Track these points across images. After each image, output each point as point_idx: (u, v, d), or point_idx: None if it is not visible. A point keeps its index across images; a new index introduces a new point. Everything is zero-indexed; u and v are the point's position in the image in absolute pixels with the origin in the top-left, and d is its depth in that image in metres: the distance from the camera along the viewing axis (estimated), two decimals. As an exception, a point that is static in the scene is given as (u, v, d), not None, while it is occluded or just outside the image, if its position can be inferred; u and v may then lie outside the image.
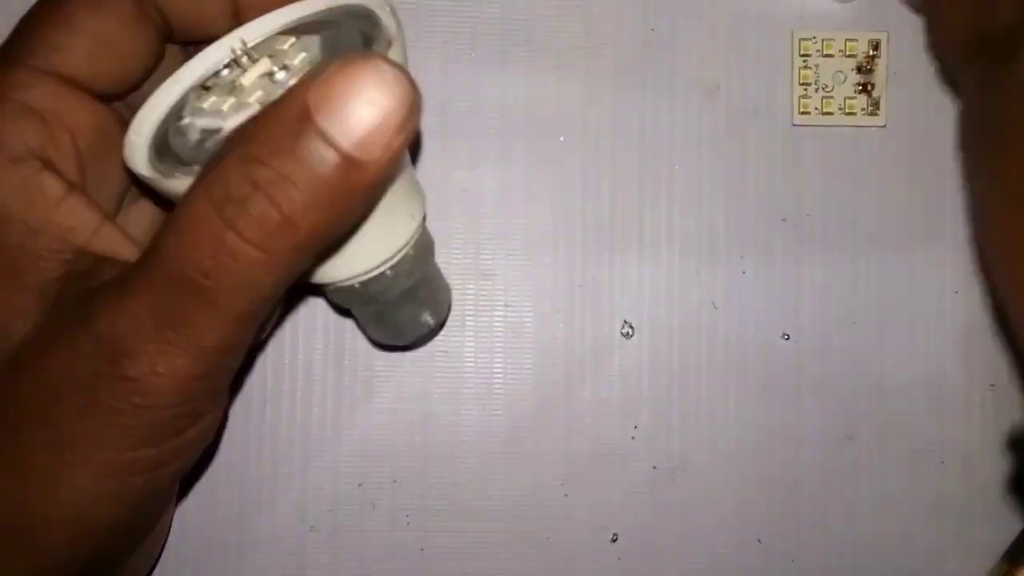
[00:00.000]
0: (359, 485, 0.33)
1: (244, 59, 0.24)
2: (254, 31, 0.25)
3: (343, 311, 0.33)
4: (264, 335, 0.31)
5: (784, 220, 0.34)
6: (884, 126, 0.34)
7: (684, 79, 0.34)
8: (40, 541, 0.23)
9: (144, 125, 0.24)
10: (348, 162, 0.20)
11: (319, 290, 0.27)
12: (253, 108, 0.23)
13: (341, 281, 0.26)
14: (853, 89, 0.34)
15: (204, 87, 0.24)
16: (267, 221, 0.20)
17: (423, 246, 0.27)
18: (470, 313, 0.33)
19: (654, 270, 0.34)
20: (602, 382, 0.34)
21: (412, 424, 0.33)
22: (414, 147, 0.33)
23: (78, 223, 0.24)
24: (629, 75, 0.34)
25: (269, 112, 0.20)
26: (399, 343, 0.30)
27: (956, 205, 0.34)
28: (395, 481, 0.33)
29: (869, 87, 0.34)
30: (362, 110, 0.20)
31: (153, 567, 0.31)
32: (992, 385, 0.34)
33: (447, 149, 0.34)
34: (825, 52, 0.34)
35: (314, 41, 0.24)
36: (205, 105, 0.24)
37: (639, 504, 0.33)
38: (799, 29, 0.34)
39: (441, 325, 0.31)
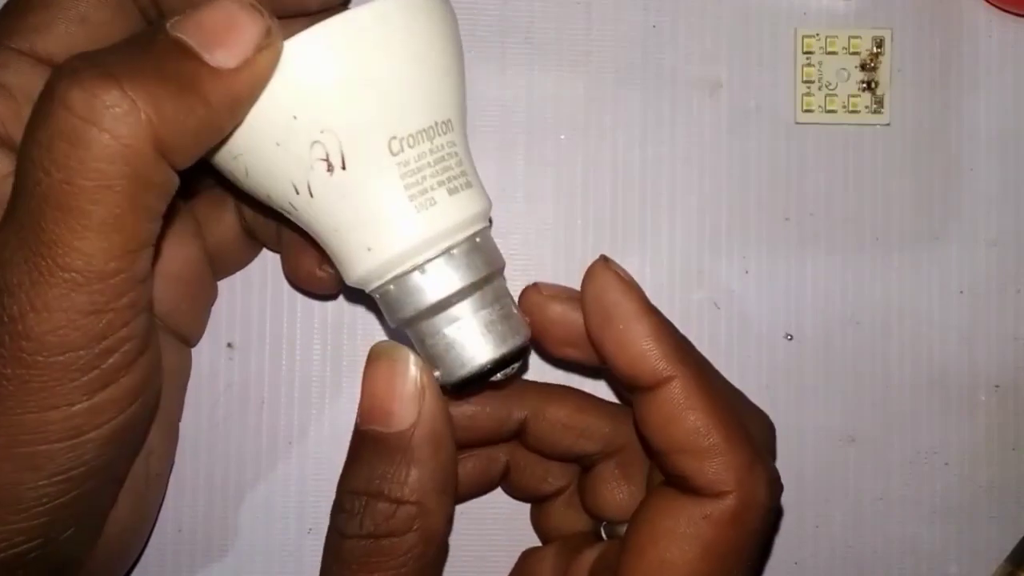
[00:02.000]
0: (358, 487, 0.33)
1: None
2: None
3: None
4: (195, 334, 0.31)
5: (787, 219, 0.34)
6: (888, 124, 0.34)
7: (686, 77, 0.34)
8: None
9: None
10: (200, 63, 0.20)
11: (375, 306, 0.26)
12: None
13: (371, 273, 0.24)
14: (857, 87, 0.34)
15: None
16: (102, 92, 0.19)
17: (475, 254, 0.25)
18: (470, 313, 0.33)
19: (656, 269, 0.34)
20: (603, 382, 0.33)
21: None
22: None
23: None
24: (630, 73, 0.34)
25: (132, 34, 0.22)
26: (446, 380, 0.26)
27: (960, 204, 0.34)
28: (394, 483, 0.33)
29: (873, 85, 0.34)
30: (216, 24, 0.21)
31: (134, 566, 0.31)
32: (997, 386, 0.34)
33: (446, 148, 0.33)
34: (828, 49, 0.34)
35: None
36: None
37: (640, 506, 0.33)
38: (802, 26, 0.34)
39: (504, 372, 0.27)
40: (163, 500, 0.31)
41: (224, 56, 0.21)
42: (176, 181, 0.21)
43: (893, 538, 0.34)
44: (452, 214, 0.24)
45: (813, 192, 0.34)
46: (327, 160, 0.23)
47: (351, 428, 0.33)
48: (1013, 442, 0.34)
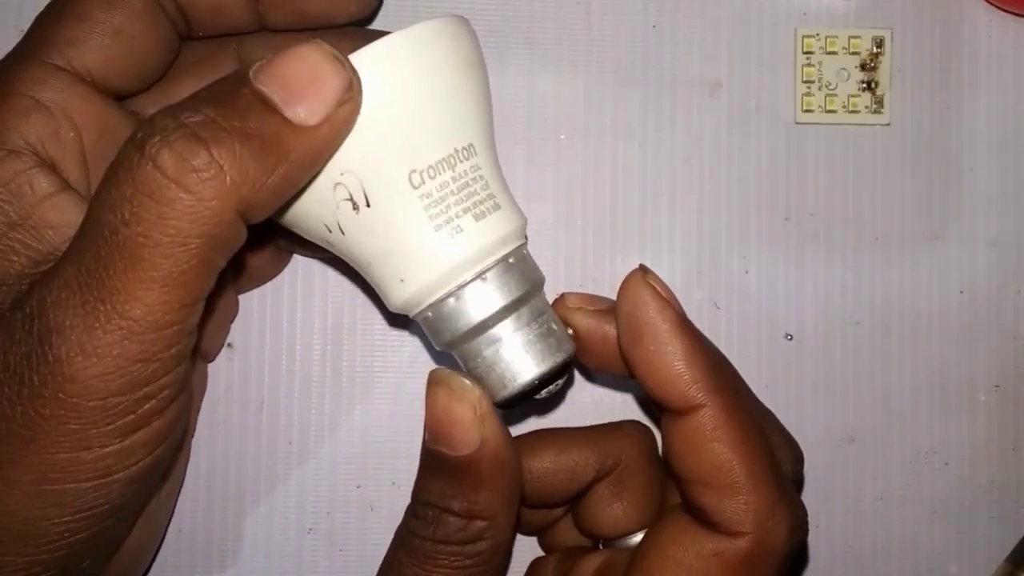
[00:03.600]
0: (357, 487, 0.33)
1: None
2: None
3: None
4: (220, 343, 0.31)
5: (787, 219, 0.34)
6: (888, 124, 0.34)
7: (686, 77, 0.34)
8: None
9: None
10: (283, 121, 0.21)
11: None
12: None
13: (407, 303, 0.25)
14: (857, 87, 0.34)
15: None
16: (191, 156, 0.20)
17: (508, 275, 0.25)
18: (470, 313, 0.33)
19: (655, 269, 0.33)
20: (603, 382, 0.33)
21: (411, 426, 0.33)
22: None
23: (62, 222, 0.23)
24: (630, 73, 0.34)
25: (211, 83, 0.21)
26: (495, 399, 0.26)
27: (960, 204, 0.34)
28: (394, 483, 0.33)
29: (873, 85, 0.34)
30: (300, 79, 0.21)
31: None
32: (997, 386, 0.34)
33: (446, 148, 0.33)
34: (829, 49, 0.34)
35: None
36: None
37: (640, 506, 0.33)
38: (802, 26, 0.34)
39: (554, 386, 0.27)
40: (172, 514, 0.31)
41: (307, 113, 0.21)
42: (245, 236, 0.22)
43: (893, 538, 0.34)
44: (480, 239, 0.24)
45: (813, 192, 0.34)
46: (351, 200, 0.23)
47: (351, 429, 0.33)
48: (1013, 442, 0.34)
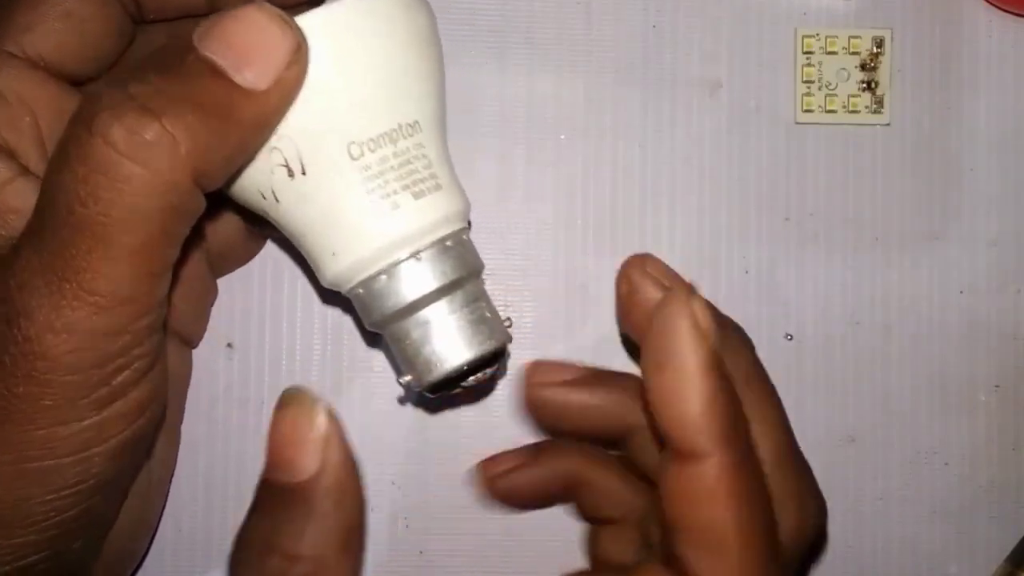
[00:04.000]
0: (358, 487, 0.33)
1: None
2: None
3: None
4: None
5: (787, 219, 0.34)
6: (888, 124, 0.34)
7: (686, 77, 0.34)
8: None
9: None
10: (233, 87, 0.20)
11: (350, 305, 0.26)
12: None
13: (338, 276, 0.25)
14: (857, 87, 0.34)
15: None
16: (142, 129, 0.20)
17: (444, 257, 0.25)
18: (470, 313, 0.33)
19: (655, 270, 0.34)
20: (603, 383, 0.33)
21: (411, 426, 0.33)
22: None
23: (23, 206, 0.22)
24: (630, 73, 0.34)
25: (155, 50, 0.21)
26: (417, 383, 0.25)
27: (960, 204, 0.34)
28: (394, 483, 0.33)
29: (873, 85, 0.34)
30: (246, 43, 0.20)
31: (137, 568, 0.31)
32: (997, 386, 0.34)
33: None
34: (829, 49, 0.34)
35: None
36: None
37: (640, 506, 0.33)
38: (802, 26, 0.34)
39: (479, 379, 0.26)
40: (165, 503, 0.31)
41: (255, 77, 0.21)
42: (204, 204, 0.22)
43: (893, 538, 0.34)
44: (417, 218, 0.24)
45: (813, 192, 0.34)
46: (287, 166, 0.23)
47: (351, 428, 0.32)
48: (1013, 442, 0.34)
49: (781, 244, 0.34)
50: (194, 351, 0.32)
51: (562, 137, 0.34)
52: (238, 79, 0.20)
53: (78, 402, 0.21)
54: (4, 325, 0.20)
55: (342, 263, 0.24)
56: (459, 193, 0.25)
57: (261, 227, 0.31)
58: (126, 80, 0.20)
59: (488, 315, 0.26)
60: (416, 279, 0.24)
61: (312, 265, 0.25)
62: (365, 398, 0.33)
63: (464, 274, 0.25)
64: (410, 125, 0.24)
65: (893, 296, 0.34)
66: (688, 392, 0.21)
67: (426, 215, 0.24)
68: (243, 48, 0.21)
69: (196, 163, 0.20)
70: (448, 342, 0.25)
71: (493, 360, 0.26)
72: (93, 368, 0.21)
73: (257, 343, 0.33)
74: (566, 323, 0.33)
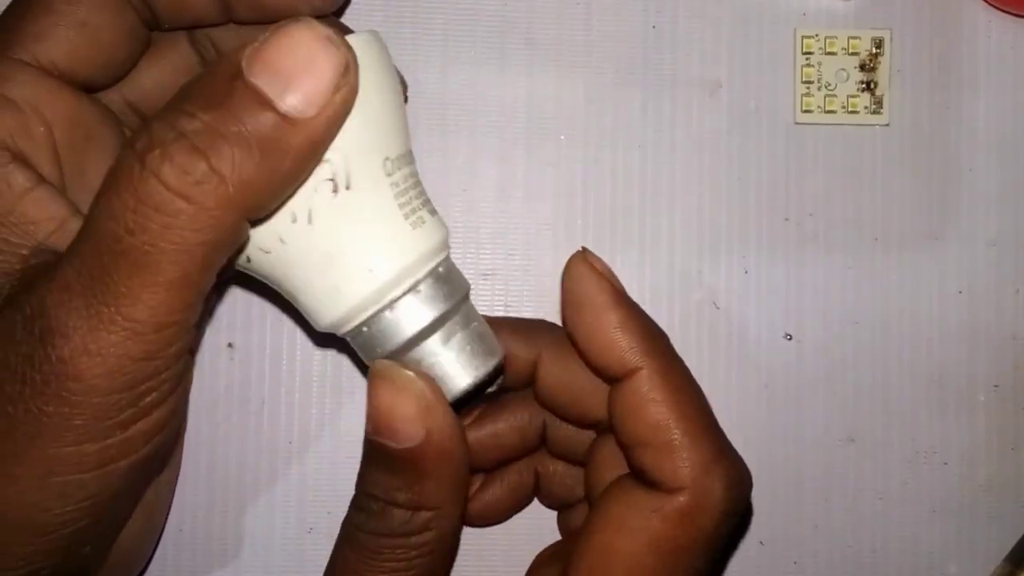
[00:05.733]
0: (358, 486, 0.33)
1: None
2: None
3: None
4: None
5: (786, 219, 0.34)
6: (887, 125, 0.34)
7: (685, 77, 0.34)
8: None
9: None
10: (280, 118, 0.20)
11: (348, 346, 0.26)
12: None
13: (341, 319, 0.24)
14: (856, 87, 0.34)
15: None
16: (192, 169, 0.20)
17: (439, 283, 0.25)
18: (470, 313, 0.33)
19: (655, 270, 0.34)
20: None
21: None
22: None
23: (43, 217, 0.23)
24: (630, 73, 0.34)
25: (203, 73, 0.21)
26: None
27: (959, 204, 0.34)
28: (394, 482, 0.33)
29: (872, 85, 0.34)
30: (294, 67, 0.20)
31: (143, 571, 0.31)
32: (996, 386, 0.34)
33: (447, 149, 0.33)
34: (828, 50, 0.34)
35: None
36: None
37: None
38: (802, 27, 0.34)
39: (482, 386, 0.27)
40: (171, 506, 0.31)
41: (303, 104, 0.20)
42: (248, 233, 0.22)
43: (892, 537, 0.34)
44: (438, 232, 0.25)
45: (812, 192, 0.34)
46: (333, 180, 0.23)
47: (351, 428, 0.33)
48: (1012, 442, 0.34)
49: (781, 244, 0.34)
50: (194, 351, 0.32)
51: (562, 137, 0.34)
52: (285, 108, 0.20)
53: (106, 422, 0.21)
54: (37, 342, 0.21)
55: (379, 279, 0.24)
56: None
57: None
58: (176, 114, 0.20)
59: (487, 330, 0.26)
60: (421, 307, 0.25)
61: (319, 300, 0.24)
62: (365, 398, 0.33)
63: (463, 295, 0.26)
64: (410, 152, 0.25)
65: (892, 296, 0.34)
66: (605, 321, 0.25)
67: (441, 231, 0.25)
68: (290, 72, 0.20)
69: (244, 199, 0.20)
70: (455, 366, 0.25)
71: (496, 376, 0.26)
72: (124, 391, 0.21)
73: (258, 343, 0.33)
74: (566, 323, 0.33)
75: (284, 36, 0.21)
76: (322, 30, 0.21)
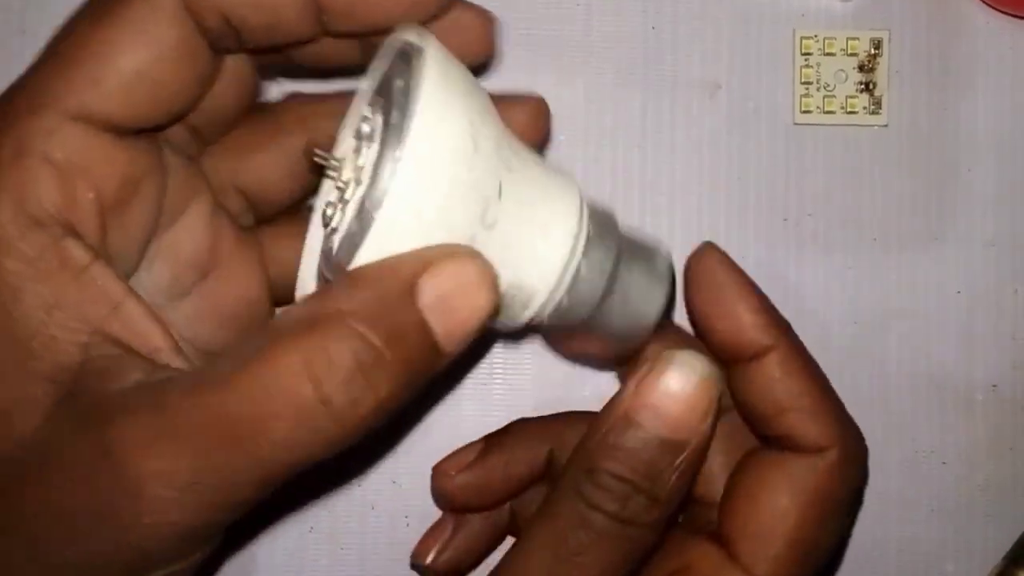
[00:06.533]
0: (358, 486, 0.33)
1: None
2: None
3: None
4: None
5: (785, 219, 0.34)
6: (886, 125, 0.34)
7: (685, 78, 0.34)
8: None
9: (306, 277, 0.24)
10: (434, 349, 0.20)
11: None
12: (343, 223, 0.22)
13: (544, 303, 0.24)
14: (855, 88, 0.34)
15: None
16: (362, 402, 0.20)
17: (596, 221, 0.25)
18: (470, 313, 0.33)
19: (655, 270, 0.34)
20: (602, 382, 0.33)
21: (411, 425, 0.33)
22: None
23: (98, 299, 0.21)
24: (629, 74, 0.34)
25: (378, 285, 0.21)
26: (646, 323, 0.26)
27: (958, 205, 0.34)
28: (394, 482, 0.33)
29: (871, 86, 0.34)
30: (461, 307, 0.21)
31: None
32: (994, 385, 0.34)
33: (447, 148, 0.33)
34: (827, 51, 0.34)
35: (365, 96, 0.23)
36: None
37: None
38: (801, 28, 0.34)
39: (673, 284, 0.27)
40: None
41: (455, 346, 0.21)
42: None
43: (891, 537, 0.34)
44: (564, 173, 0.25)
45: (811, 193, 0.34)
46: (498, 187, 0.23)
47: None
48: (1010, 442, 0.34)
49: (779, 244, 0.34)
50: (195, 351, 0.32)
51: (562, 138, 0.34)
52: (443, 346, 0.21)
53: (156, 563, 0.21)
54: (126, 502, 0.20)
55: (564, 243, 0.24)
56: None
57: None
58: (346, 332, 0.20)
59: (644, 240, 0.26)
60: (601, 244, 0.24)
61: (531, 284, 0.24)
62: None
63: (612, 217, 0.25)
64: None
65: (891, 296, 0.34)
66: (740, 303, 0.27)
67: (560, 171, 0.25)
68: (457, 317, 0.21)
69: (378, 415, 0.20)
70: (643, 297, 0.25)
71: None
72: (186, 544, 0.21)
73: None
74: (566, 323, 0.33)
75: (457, 270, 0.21)
76: (490, 275, 0.21)
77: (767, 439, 0.27)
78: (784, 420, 0.26)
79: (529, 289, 0.24)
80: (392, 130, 0.21)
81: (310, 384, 0.19)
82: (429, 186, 0.21)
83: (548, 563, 0.24)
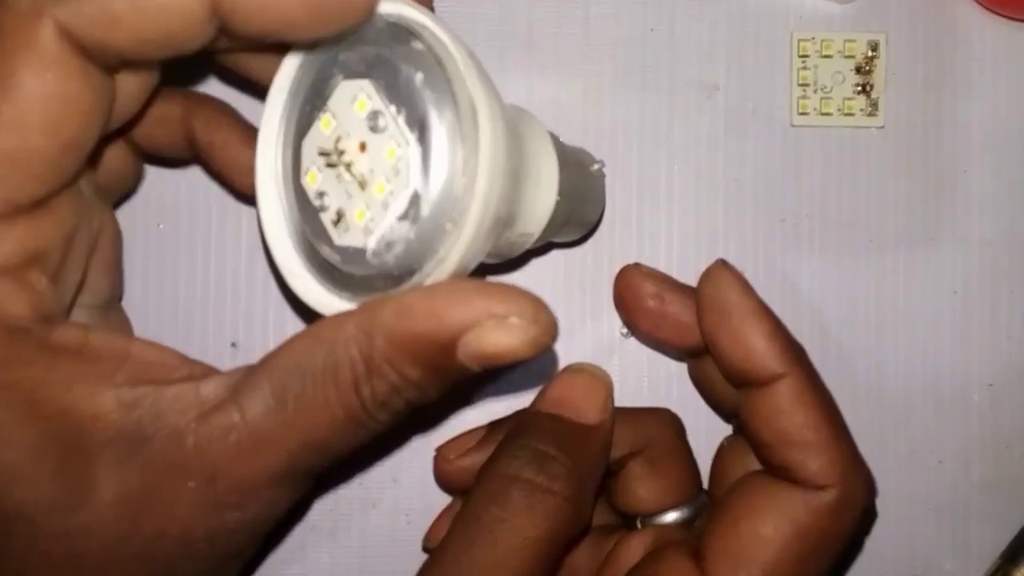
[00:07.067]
0: (359, 484, 0.33)
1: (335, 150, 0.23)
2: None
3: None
4: None
5: (783, 221, 0.34)
6: (883, 127, 0.34)
7: (683, 80, 0.34)
8: None
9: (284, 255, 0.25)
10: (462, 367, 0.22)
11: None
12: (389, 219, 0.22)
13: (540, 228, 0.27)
14: (852, 90, 0.34)
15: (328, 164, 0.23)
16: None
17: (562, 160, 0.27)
18: (470, 313, 0.33)
19: (653, 270, 0.34)
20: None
21: (412, 423, 0.33)
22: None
23: (96, 359, 0.22)
24: (628, 75, 0.34)
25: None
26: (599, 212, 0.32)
27: (954, 206, 0.34)
28: (395, 480, 0.33)
29: (868, 88, 0.34)
30: (498, 340, 0.22)
31: None
32: (990, 385, 0.34)
33: (447, 150, 0.34)
34: (824, 53, 0.34)
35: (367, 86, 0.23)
36: (332, 216, 0.23)
37: (638, 503, 0.33)
38: (798, 30, 0.34)
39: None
40: None
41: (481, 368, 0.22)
42: None
43: (888, 535, 0.34)
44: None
45: (808, 194, 0.34)
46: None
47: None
48: (1006, 440, 0.34)
49: (776, 245, 0.34)
50: (197, 350, 0.32)
51: (561, 139, 0.34)
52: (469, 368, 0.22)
53: None
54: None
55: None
56: None
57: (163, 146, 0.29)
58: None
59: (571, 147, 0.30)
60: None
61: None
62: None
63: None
64: None
65: (887, 297, 0.34)
66: (753, 329, 0.26)
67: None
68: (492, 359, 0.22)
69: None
70: (595, 197, 0.32)
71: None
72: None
73: (261, 342, 0.33)
74: (565, 323, 0.33)
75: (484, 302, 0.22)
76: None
77: (770, 465, 0.27)
78: (786, 452, 0.26)
79: (530, 231, 0.26)
80: (443, 130, 0.21)
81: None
82: (495, 186, 0.22)
83: (465, 543, 0.24)
